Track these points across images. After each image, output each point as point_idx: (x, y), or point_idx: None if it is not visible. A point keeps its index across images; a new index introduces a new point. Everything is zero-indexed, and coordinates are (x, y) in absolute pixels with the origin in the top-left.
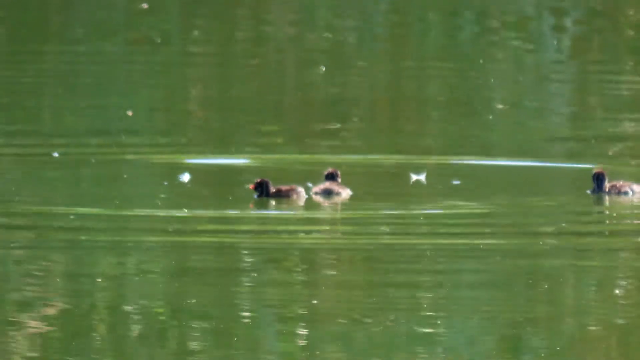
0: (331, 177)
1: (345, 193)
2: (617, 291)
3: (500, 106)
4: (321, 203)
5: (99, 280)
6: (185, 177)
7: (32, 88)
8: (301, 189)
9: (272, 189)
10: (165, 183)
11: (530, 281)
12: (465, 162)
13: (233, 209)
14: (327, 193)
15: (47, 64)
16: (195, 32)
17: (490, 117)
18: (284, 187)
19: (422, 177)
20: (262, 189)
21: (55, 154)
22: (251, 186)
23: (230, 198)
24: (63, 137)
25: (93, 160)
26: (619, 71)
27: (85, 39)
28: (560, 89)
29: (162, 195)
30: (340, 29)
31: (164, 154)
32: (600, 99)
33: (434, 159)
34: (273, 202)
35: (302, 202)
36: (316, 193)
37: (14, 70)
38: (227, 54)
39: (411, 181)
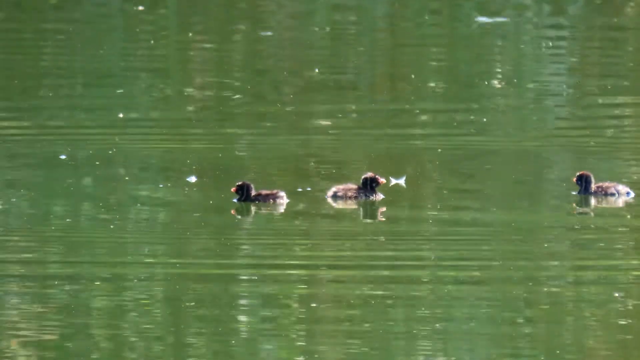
0: (365, 183)
1: (351, 198)
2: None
3: (498, 84)
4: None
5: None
6: (192, 179)
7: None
8: (282, 193)
9: (253, 193)
10: (161, 186)
11: (528, 309)
12: (460, 147)
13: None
14: (336, 197)
15: (45, 49)
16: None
17: (488, 100)
18: (264, 192)
19: (402, 181)
20: (242, 192)
21: (62, 156)
22: (233, 189)
23: (211, 202)
24: (67, 135)
25: (97, 163)
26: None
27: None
28: (560, 69)
29: (163, 214)
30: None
31: (166, 145)
32: (599, 80)
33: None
34: (253, 208)
35: (282, 208)
36: (327, 196)
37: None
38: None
39: (390, 184)
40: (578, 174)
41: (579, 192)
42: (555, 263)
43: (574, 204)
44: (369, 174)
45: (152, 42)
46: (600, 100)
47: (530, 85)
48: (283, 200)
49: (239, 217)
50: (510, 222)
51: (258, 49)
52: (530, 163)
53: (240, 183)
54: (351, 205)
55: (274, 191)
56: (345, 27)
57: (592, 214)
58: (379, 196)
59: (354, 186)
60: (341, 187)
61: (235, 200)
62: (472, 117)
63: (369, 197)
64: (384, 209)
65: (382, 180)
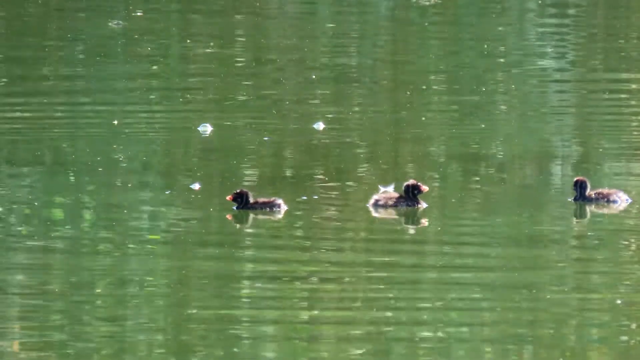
0: (407, 190)
1: (391, 206)
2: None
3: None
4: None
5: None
6: (196, 186)
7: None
8: (280, 201)
9: (251, 201)
10: (167, 192)
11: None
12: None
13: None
14: (377, 205)
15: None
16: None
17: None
18: (261, 199)
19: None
20: (241, 200)
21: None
22: (229, 197)
23: (211, 209)
24: (68, 138)
25: (100, 169)
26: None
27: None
28: (562, 61)
29: (164, 226)
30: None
31: (169, 149)
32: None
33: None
34: (251, 215)
35: (280, 215)
36: (368, 205)
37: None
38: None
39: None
40: (575, 179)
41: (575, 199)
42: (559, 287)
43: (573, 213)
44: (411, 181)
45: (149, 48)
46: (604, 96)
47: (533, 88)
48: (282, 207)
49: (237, 226)
50: (510, 234)
51: (259, 56)
52: (530, 166)
53: (238, 191)
54: (388, 215)
55: (272, 199)
56: (347, 27)
57: (588, 224)
58: (422, 204)
59: (396, 194)
60: (383, 195)
61: (234, 208)
62: (471, 123)
63: (411, 205)
64: (426, 220)
65: (425, 187)
